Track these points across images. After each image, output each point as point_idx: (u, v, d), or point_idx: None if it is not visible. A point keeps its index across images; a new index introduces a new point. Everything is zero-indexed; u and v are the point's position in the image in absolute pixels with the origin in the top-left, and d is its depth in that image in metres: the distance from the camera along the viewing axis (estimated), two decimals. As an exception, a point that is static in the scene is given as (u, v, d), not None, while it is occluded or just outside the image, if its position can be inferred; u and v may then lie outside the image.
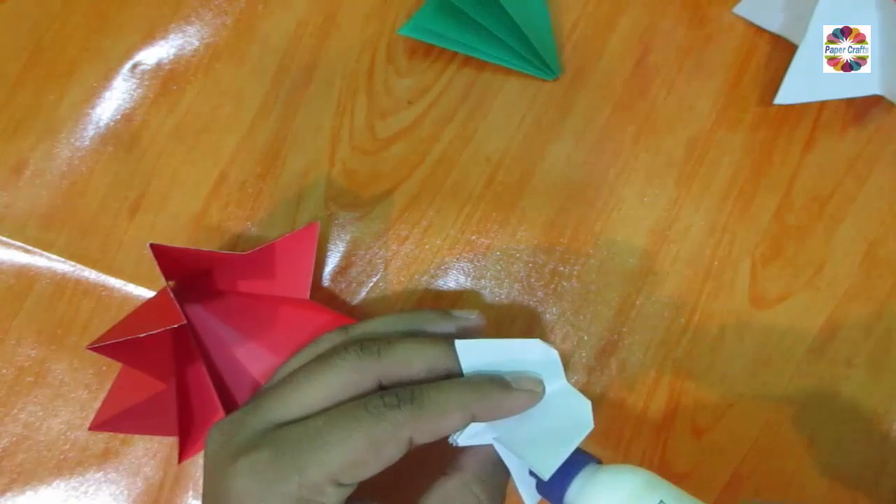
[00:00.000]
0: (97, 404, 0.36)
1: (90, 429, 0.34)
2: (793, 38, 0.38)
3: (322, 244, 0.38)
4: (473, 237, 0.38)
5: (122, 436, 0.38)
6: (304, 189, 0.38)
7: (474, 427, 0.30)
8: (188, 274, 0.36)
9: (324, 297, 0.38)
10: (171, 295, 0.32)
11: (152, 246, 0.31)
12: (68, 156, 0.38)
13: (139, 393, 0.34)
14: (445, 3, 0.37)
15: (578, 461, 0.29)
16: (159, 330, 0.30)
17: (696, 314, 0.38)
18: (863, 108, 0.39)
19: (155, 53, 0.39)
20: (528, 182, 0.38)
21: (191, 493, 0.38)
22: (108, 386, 0.37)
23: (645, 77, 0.39)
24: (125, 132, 0.38)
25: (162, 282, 0.35)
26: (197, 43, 0.39)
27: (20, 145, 0.38)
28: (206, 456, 0.30)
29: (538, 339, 0.31)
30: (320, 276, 0.38)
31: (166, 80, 0.39)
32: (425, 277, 0.38)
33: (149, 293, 0.38)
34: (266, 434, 0.28)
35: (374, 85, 0.39)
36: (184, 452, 0.34)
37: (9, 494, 0.38)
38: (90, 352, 0.30)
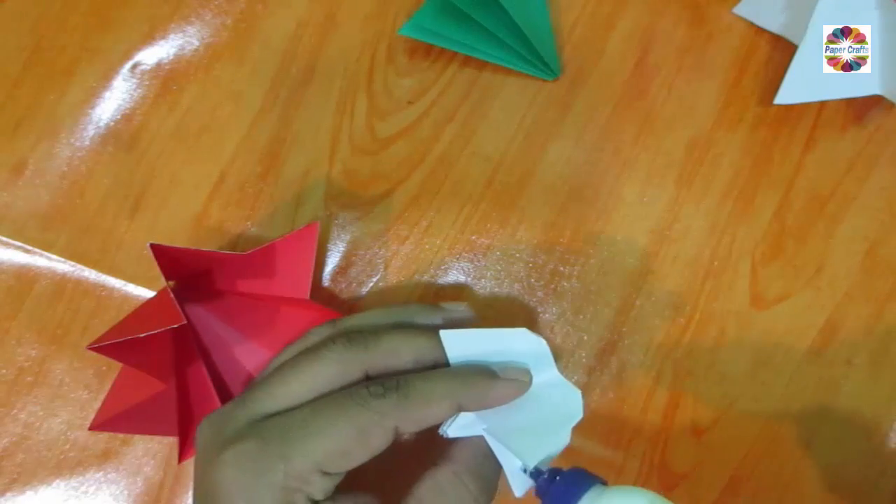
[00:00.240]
0: (97, 404, 0.36)
1: (90, 429, 0.34)
2: (793, 38, 0.38)
3: (322, 244, 0.38)
4: (473, 237, 0.38)
5: (122, 436, 0.38)
6: (304, 189, 0.38)
7: (464, 418, 0.30)
8: (188, 274, 0.36)
9: (324, 297, 0.38)
10: (171, 295, 0.32)
11: (152, 246, 0.31)
12: (68, 156, 0.38)
13: (139, 393, 0.34)
14: (445, 3, 0.37)
15: (584, 482, 0.29)
16: (159, 330, 0.30)
17: (696, 314, 0.38)
18: (863, 108, 0.39)
19: (155, 53, 0.39)
20: (528, 182, 0.38)
21: (191, 492, 0.38)
22: (108, 386, 0.37)
23: (645, 77, 0.39)
24: (125, 132, 0.38)
25: (162, 282, 0.35)
26: (197, 43, 0.39)
27: (20, 145, 0.38)
28: (196, 449, 0.30)
29: (525, 329, 0.31)
30: (320, 276, 0.38)
31: (166, 80, 0.39)
32: (425, 277, 0.38)
33: (149, 293, 0.38)
34: (253, 425, 0.28)
35: (374, 85, 0.39)
36: (184, 452, 0.34)
37: (9, 494, 0.38)
38: (90, 352, 0.30)
